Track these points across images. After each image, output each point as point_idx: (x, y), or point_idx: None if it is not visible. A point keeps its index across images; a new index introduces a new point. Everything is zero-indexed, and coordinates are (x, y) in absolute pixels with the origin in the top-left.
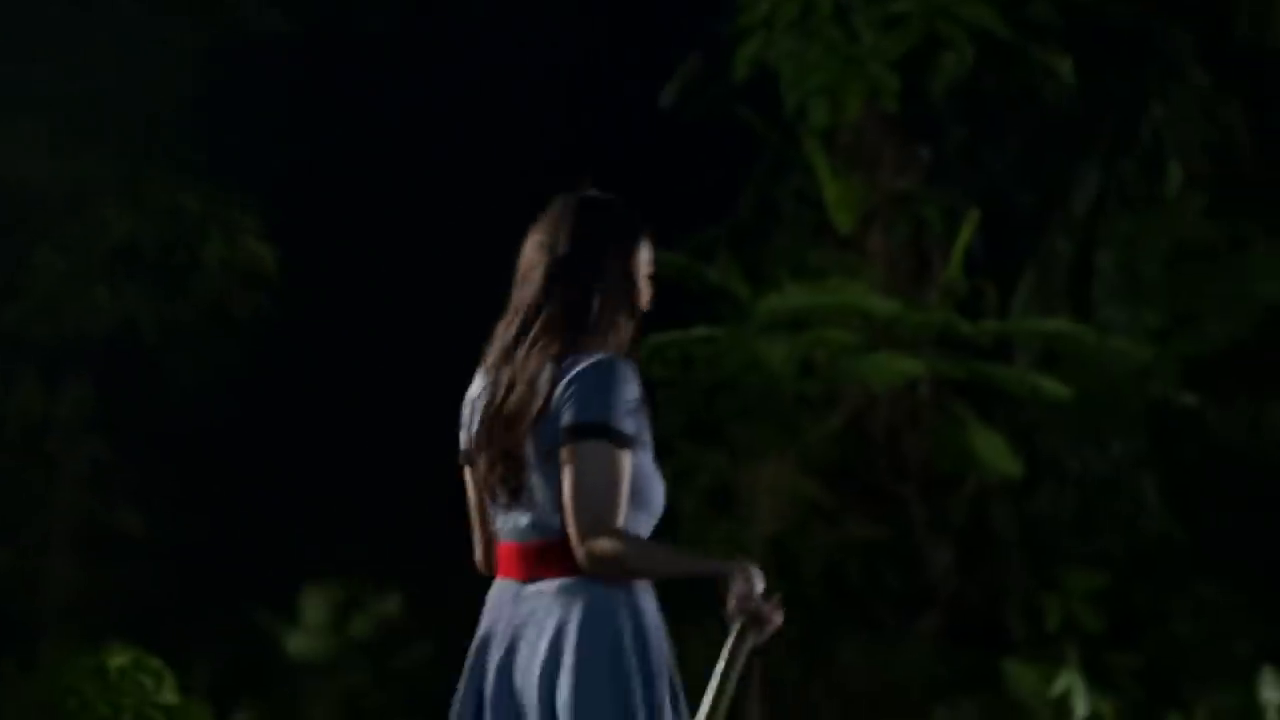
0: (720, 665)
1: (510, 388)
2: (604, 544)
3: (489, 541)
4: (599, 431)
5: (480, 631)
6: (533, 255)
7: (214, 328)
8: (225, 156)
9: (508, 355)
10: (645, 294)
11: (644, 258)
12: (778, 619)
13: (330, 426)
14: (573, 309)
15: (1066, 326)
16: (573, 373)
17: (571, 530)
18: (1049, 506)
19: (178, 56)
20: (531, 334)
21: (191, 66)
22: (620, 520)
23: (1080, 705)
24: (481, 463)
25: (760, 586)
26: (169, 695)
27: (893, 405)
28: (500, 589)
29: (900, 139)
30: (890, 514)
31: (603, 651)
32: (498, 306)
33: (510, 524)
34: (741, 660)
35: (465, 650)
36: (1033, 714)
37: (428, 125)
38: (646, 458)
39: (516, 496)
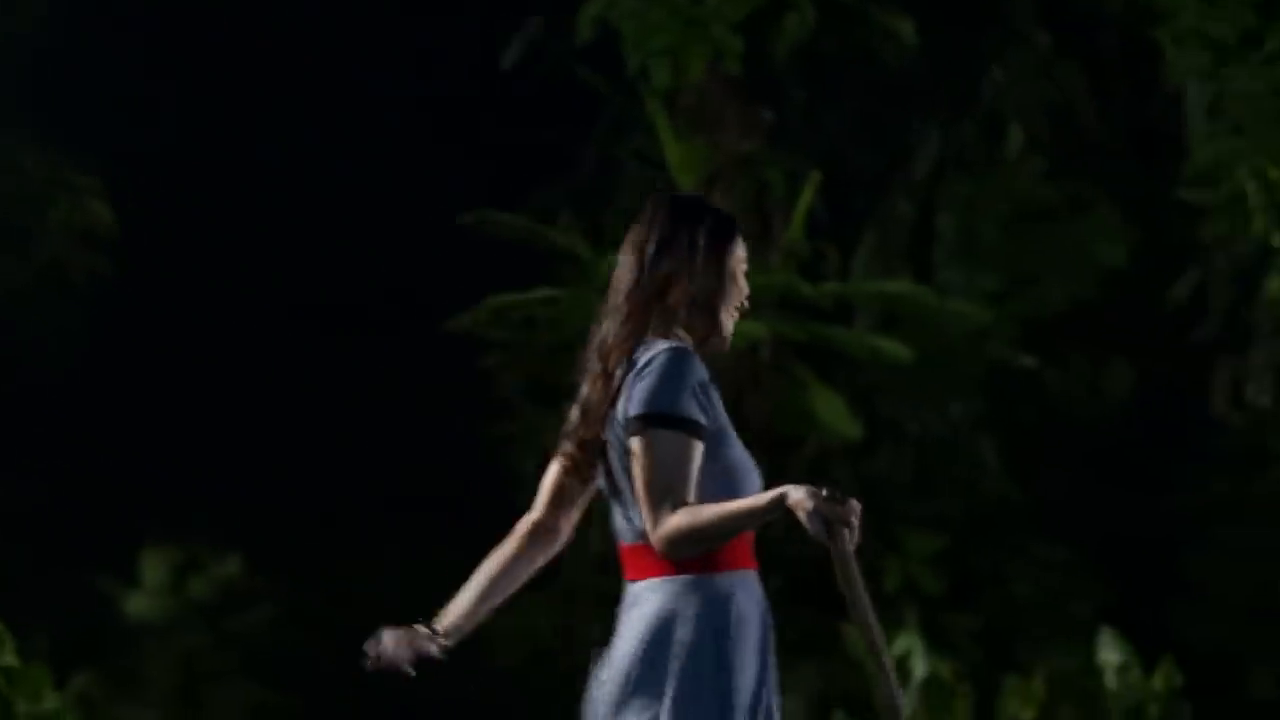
0: (841, 580)
1: (593, 381)
2: (665, 528)
3: (547, 508)
4: (665, 421)
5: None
6: (625, 254)
7: (52, 290)
8: (66, 119)
9: (599, 349)
10: (742, 289)
11: (738, 255)
12: (855, 507)
13: (169, 389)
14: (659, 305)
15: (906, 289)
16: (639, 364)
17: (645, 521)
18: (888, 468)
19: (18, 19)
20: (618, 329)
21: (32, 28)
22: (677, 503)
23: (919, 666)
24: (569, 448)
25: (814, 497)
26: (8, 659)
27: (734, 367)
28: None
29: (742, 101)
30: None
31: (690, 649)
32: (339, 263)
33: (615, 522)
34: (852, 563)
35: (305, 612)
36: (871, 676)
37: (269, 89)
38: (736, 450)
39: (615, 496)
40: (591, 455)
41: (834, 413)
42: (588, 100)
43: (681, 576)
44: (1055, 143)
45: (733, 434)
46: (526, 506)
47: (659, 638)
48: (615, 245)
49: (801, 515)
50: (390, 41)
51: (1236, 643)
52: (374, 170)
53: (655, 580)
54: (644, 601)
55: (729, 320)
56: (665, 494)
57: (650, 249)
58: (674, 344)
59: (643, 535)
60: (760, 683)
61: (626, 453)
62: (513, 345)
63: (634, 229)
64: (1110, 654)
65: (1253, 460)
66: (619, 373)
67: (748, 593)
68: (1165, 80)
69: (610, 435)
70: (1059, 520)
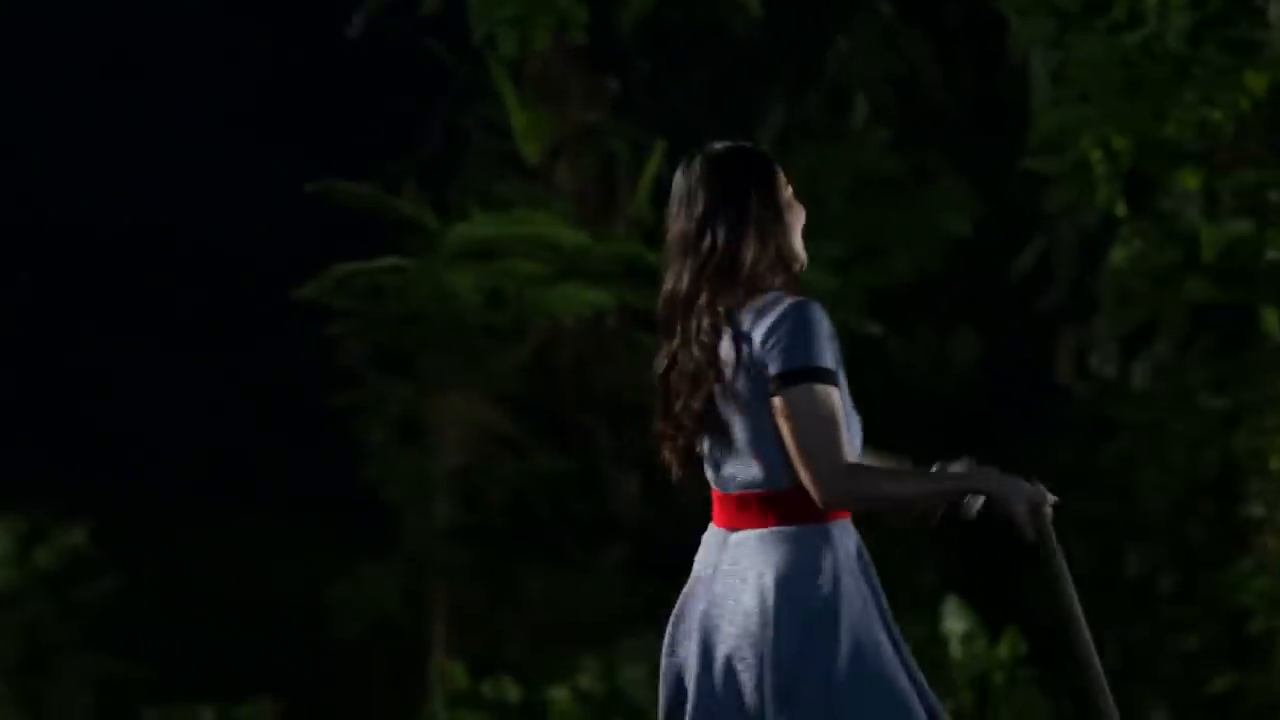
0: (1051, 573)
1: (687, 348)
2: (845, 483)
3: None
4: (810, 375)
5: (692, 574)
6: (676, 218)
7: None
8: None
9: (683, 312)
10: (799, 212)
11: (785, 192)
12: (1048, 496)
13: (10, 356)
14: (728, 259)
15: None
16: (768, 321)
17: (806, 477)
18: None
19: None
20: (697, 291)
21: None
22: (847, 454)
23: None
24: (678, 417)
25: (1022, 493)
26: None
27: (580, 336)
28: (711, 534)
29: (588, 71)
30: (577, 445)
31: (809, 600)
32: (185, 231)
33: (715, 473)
34: (1061, 560)
35: (151, 582)
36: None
37: (114, 57)
38: (847, 398)
39: (722, 447)
40: (706, 425)
41: None
42: (434, 70)
43: (794, 527)
44: (901, 113)
45: (843, 378)
46: (371, 475)
47: (792, 589)
48: (462, 216)
49: (1019, 519)
50: (237, 12)
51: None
52: (220, 141)
53: (769, 530)
54: (764, 550)
55: (798, 243)
56: (825, 447)
57: (701, 207)
58: (796, 299)
59: (751, 484)
60: (881, 609)
61: (745, 409)
62: (358, 314)
63: (678, 192)
64: (955, 623)
65: (1097, 429)
66: (723, 336)
67: (850, 536)
68: (1011, 50)
69: (725, 392)
70: None
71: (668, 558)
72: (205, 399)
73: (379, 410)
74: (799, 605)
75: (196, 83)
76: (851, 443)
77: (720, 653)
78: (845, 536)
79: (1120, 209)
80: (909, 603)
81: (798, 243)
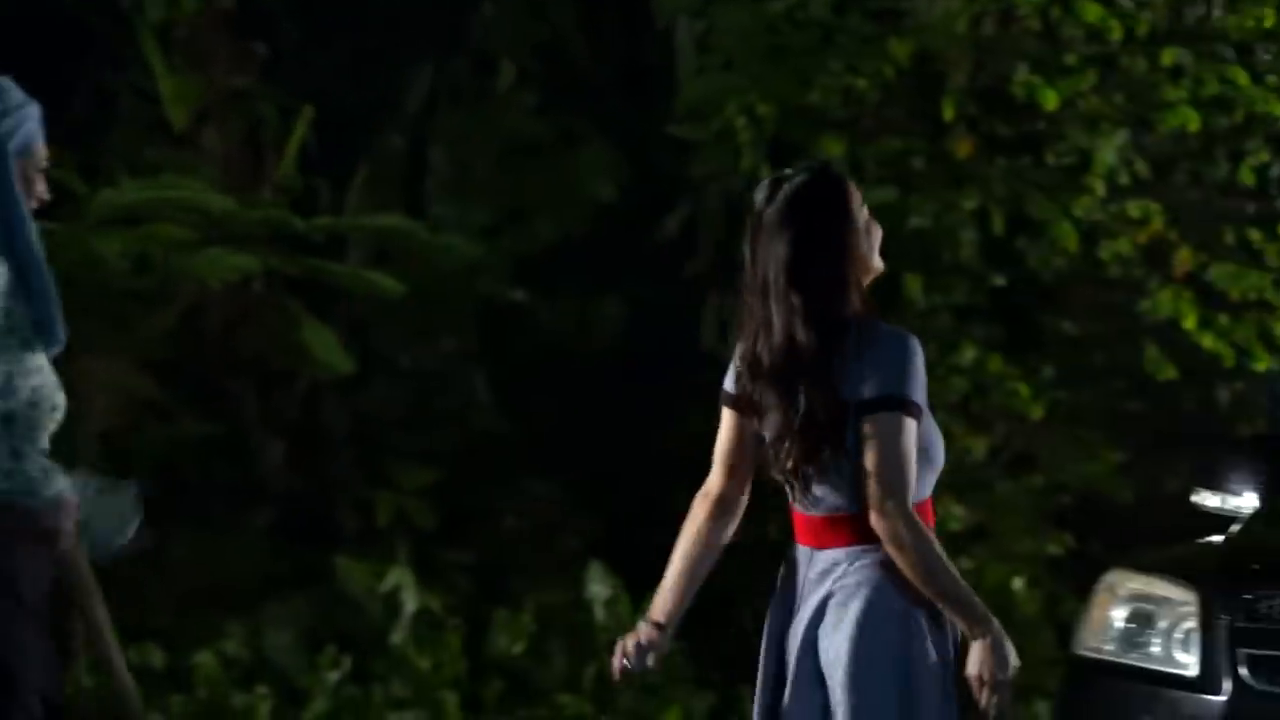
0: None
1: (803, 373)
2: (897, 525)
3: (729, 474)
4: (899, 405)
5: (776, 592)
6: (758, 249)
7: None
8: None
9: (768, 329)
10: (877, 240)
11: (863, 214)
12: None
13: None
14: (819, 289)
15: (399, 223)
16: (869, 348)
17: (871, 497)
18: (380, 402)
19: None
20: (783, 308)
21: None
22: (911, 492)
23: (410, 600)
24: (769, 431)
25: (1013, 660)
26: None
27: (227, 301)
28: (799, 553)
29: (235, 36)
30: (224, 410)
31: (892, 617)
32: None
33: (801, 496)
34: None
35: None
36: (363, 609)
37: None
38: (929, 421)
39: (811, 472)
40: (809, 446)
41: (326, 346)
42: (81, 34)
43: (875, 548)
44: (547, 79)
45: (928, 406)
46: None
47: (893, 602)
48: (110, 181)
49: (978, 669)
50: None
51: (722, 575)
52: None
53: (857, 549)
54: (853, 572)
55: (877, 261)
56: (897, 479)
57: (785, 231)
58: (897, 330)
59: (839, 507)
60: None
61: (832, 429)
62: None
63: (760, 212)
64: (599, 587)
65: None
66: (813, 355)
67: None
68: (656, 17)
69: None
70: (550, 454)
71: (313, 524)
72: None
73: None
74: (889, 618)
75: None
76: (935, 463)
77: (812, 666)
78: None
79: (765, 175)
80: (552, 568)
81: (878, 259)
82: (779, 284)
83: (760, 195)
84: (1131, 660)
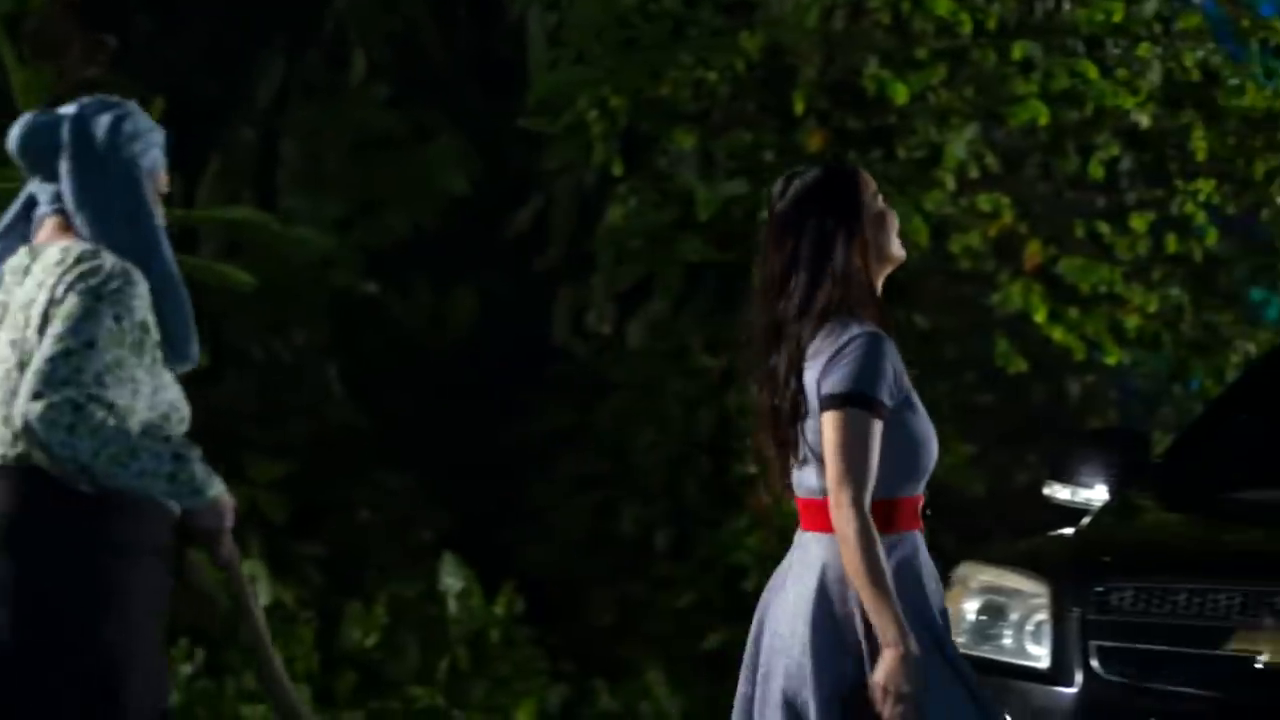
0: None
1: (784, 365)
2: (844, 514)
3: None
4: (857, 400)
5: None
6: (771, 234)
7: None
8: None
9: (777, 329)
10: (893, 229)
11: (876, 204)
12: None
13: None
14: (817, 280)
15: (251, 215)
16: (837, 346)
17: (829, 487)
18: (233, 395)
19: None
20: (792, 308)
21: None
22: (865, 487)
23: (263, 593)
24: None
25: (906, 687)
26: None
27: None
28: (796, 534)
29: (87, 27)
30: None
31: (846, 603)
32: None
33: (795, 478)
34: None
35: None
36: (215, 602)
37: None
38: (920, 421)
39: (799, 458)
40: (795, 440)
41: None
42: None
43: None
44: (399, 70)
45: (917, 403)
46: None
47: (827, 589)
48: None
49: (895, 692)
50: None
51: (576, 568)
52: None
53: (825, 534)
54: (812, 552)
55: (896, 248)
56: (850, 471)
57: (794, 230)
58: (867, 329)
59: (814, 491)
60: (926, 621)
61: (808, 417)
62: None
63: (774, 211)
64: (452, 580)
65: (594, 389)
66: (802, 353)
67: (902, 551)
68: (509, 9)
69: (802, 408)
70: (403, 447)
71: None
72: None
73: None
74: (829, 608)
75: None
76: (921, 466)
77: (766, 639)
78: (899, 550)
79: (617, 168)
80: (405, 560)
81: (895, 247)
82: (788, 278)
83: (774, 192)
84: (984, 653)
